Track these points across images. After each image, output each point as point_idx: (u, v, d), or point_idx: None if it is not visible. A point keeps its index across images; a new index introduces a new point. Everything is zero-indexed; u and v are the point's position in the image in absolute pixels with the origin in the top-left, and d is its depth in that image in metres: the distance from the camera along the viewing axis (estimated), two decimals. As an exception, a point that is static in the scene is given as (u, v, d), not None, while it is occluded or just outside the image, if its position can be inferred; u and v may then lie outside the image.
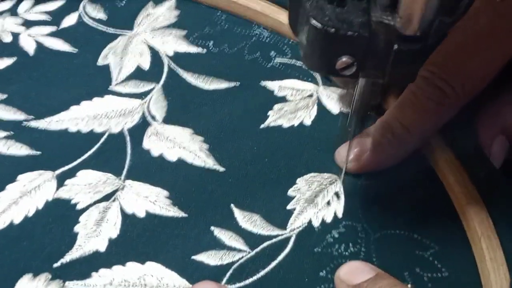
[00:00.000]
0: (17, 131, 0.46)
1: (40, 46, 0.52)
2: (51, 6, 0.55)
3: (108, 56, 0.51)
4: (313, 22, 0.30)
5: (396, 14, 0.29)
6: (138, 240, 0.40)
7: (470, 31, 0.40)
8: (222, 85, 0.49)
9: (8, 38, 0.52)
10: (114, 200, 0.42)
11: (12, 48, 0.52)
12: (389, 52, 0.31)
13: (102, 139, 0.45)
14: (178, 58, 0.51)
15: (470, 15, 0.32)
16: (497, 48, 0.41)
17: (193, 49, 0.52)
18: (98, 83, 0.49)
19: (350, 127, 0.41)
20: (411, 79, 0.34)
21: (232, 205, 0.42)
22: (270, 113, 0.48)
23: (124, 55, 0.51)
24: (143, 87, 0.49)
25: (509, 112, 0.43)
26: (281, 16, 0.52)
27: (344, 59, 0.31)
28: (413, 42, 0.31)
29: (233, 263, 0.39)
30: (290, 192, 0.43)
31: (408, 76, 0.33)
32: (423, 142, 0.44)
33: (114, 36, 0.53)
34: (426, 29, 0.30)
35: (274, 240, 0.41)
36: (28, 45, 0.52)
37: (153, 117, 0.47)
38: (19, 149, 0.44)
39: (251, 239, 0.41)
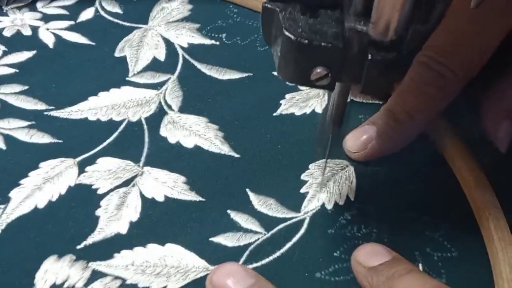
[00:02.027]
0: (39, 120, 0.47)
1: (59, 39, 0.53)
2: (68, 1, 0.57)
3: (124, 49, 0.53)
4: (286, 33, 0.30)
5: (369, 21, 0.30)
6: (157, 223, 0.42)
7: (464, 11, 0.40)
8: (235, 75, 0.51)
9: (27, 32, 0.54)
10: (133, 186, 0.43)
11: (32, 41, 0.53)
12: (363, 62, 0.31)
13: (121, 128, 0.47)
14: (192, 50, 0.53)
15: None
16: (492, 25, 0.42)
17: (206, 41, 0.53)
18: (116, 74, 0.51)
19: (326, 135, 0.41)
20: (387, 88, 0.34)
21: (247, 189, 0.44)
22: (282, 101, 0.49)
23: (140, 48, 0.53)
24: (159, 78, 0.50)
25: None
26: (292, 9, 0.53)
27: (319, 70, 0.31)
28: (387, 51, 0.30)
29: (249, 244, 0.41)
30: (303, 176, 0.44)
31: (384, 85, 0.33)
32: (427, 125, 0.45)
33: (130, 29, 0.54)
34: (400, 37, 0.30)
35: (288, 222, 0.42)
36: (47, 38, 0.53)
37: (169, 106, 0.48)
38: (41, 138, 0.46)
39: (267, 221, 0.42)
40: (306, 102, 0.49)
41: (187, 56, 0.52)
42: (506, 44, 0.43)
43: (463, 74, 0.42)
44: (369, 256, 0.38)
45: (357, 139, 0.45)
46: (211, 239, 0.41)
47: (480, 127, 0.45)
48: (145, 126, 0.47)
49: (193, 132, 0.47)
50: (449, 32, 0.41)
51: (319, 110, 0.49)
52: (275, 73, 0.51)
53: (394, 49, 0.31)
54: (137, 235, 0.41)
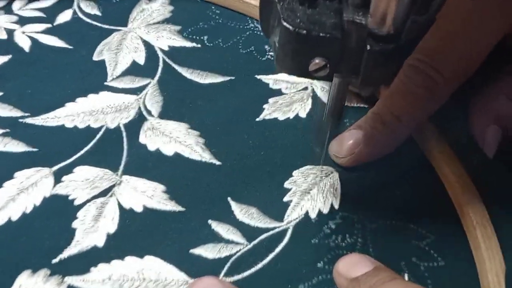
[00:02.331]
0: (13, 128, 0.46)
1: (35, 43, 0.52)
2: (45, 3, 0.55)
3: (103, 52, 0.51)
4: (285, 24, 0.30)
5: (368, 13, 0.29)
6: (136, 234, 0.40)
7: (455, 15, 0.40)
8: (217, 79, 0.50)
9: (3, 36, 0.53)
10: (111, 196, 0.42)
11: (7, 45, 0.52)
12: (362, 53, 0.31)
13: (99, 135, 0.45)
14: (173, 53, 0.51)
15: (454, 1, 0.32)
16: (484, 32, 0.41)
17: (188, 44, 0.52)
18: (94, 79, 0.49)
19: (324, 128, 0.41)
20: (386, 80, 0.33)
21: (229, 198, 0.43)
22: (265, 106, 0.48)
23: (119, 51, 0.51)
24: (138, 82, 0.49)
25: (502, 101, 0.44)
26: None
27: (317, 60, 0.31)
28: (386, 42, 0.30)
29: (231, 256, 0.40)
30: (286, 184, 0.43)
31: (382, 77, 0.33)
32: (415, 130, 0.45)
33: (109, 32, 0.53)
34: (398, 29, 0.30)
35: (271, 232, 0.41)
36: (23, 42, 0.52)
37: (149, 112, 0.47)
38: (16, 146, 0.45)
39: (249, 231, 0.41)
40: (290, 106, 0.48)
41: (167, 60, 0.51)
42: (494, 49, 0.42)
43: (453, 78, 0.42)
44: (351, 266, 0.37)
45: (343, 144, 0.44)
46: (191, 250, 0.40)
47: (468, 131, 0.44)
48: (124, 133, 0.46)
49: (173, 138, 0.45)
50: (440, 36, 0.40)
51: (303, 114, 0.47)
52: (258, 77, 0.50)
53: (392, 40, 0.30)
54: (115, 248, 0.40)
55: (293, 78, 0.50)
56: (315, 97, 0.48)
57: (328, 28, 0.30)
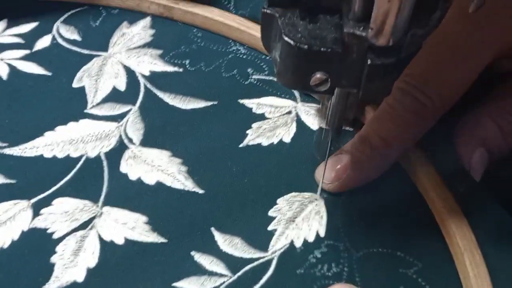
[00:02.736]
0: (-9, 159, 0.45)
1: (13, 70, 0.51)
2: (24, 29, 0.54)
3: (83, 79, 0.50)
4: (286, 39, 0.30)
5: (368, 27, 0.29)
6: (117, 268, 0.39)
7: (444, 40, 0.40)
8: (199, 104, 0.49)
9: (-20, 63, 0.52)
10: (91, 228, 0.41)
11: (-16, 73, 0.51)
12: (363, 67, 0.31)
13: (79, 165, 0.45)
14: (154, 78, 0.50)
15: (443, 25, 0.32)
16: (472, 57, 0.41)
17: (169, 69, 0.51)
18: (73, 106, 0.48)
19: (325, 141, 0.41)
20: (386, 93, 0.34)
21: (212, 228, 0.42)
22: (249, 131, 0.47)
23: (99, 77, 0.50)
24: (119, 109, 0.48)
25: (488, 123, 0.43)
26: (258, 32, 0.51)
27: (318, 75, 0.31)
28: (386, 56, 0.30)
29: (214, 288, 0.39)
30: (271, 212, 0.43)
31: (383, 90, 0.33)
32: (403, 154, 0.44)
33: (89, 58, 0.52)
34: (399, 42, 0.30)
35: (256, 263, 0.40)
36: (1, 69, 0.51)
37: (130, 140, 0.46)
38: (-6, 178, 0.44)
39: (233, 263, 0.40)
40: (273, 131, 0.47)
41: (148, 85, 0.50)
42: (483, 73, 0.42)
43: (442, 103, 0.41)
44: (336, 297, 0.37)
45: (331, 169, 0.43)
46: (174, 284, 0.39)
47: (454, 155, 0.44)
48: (104, 162, 0.45)
49: (155, 167, 0.45)
50: (428, 59, 0.40)
51: (287, 139, 0.47)
52: (241, 101, 0.49)
53: (393, 54, 0.30)
54: (95, 283, 0.39)
55: (277, 102, 0.49)
56: (299, 122, 0.48)
57: (329, 43, 0.30)
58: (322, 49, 0.30)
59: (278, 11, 0.31)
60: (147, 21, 0.55)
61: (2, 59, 0.52)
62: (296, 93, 0.49)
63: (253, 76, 0.51)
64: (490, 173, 0.44)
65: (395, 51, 0.31)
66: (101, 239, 0.41)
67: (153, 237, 0.41)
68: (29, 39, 0.53)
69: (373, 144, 0.42)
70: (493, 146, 0.43)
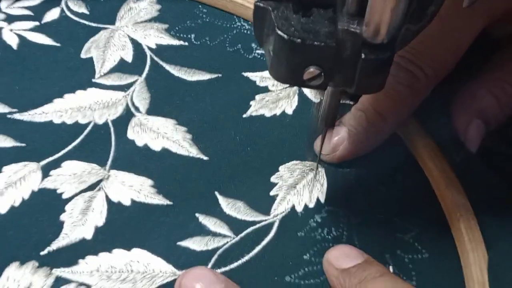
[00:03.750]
0: (1, 123, 0.46)
1: (23, 41, 0.52)
2: (33, 2, 0.55)
3: (90, 50, 0.51)
4: (279, 32, 0.30)
5: (362, 22, 0.29)
6: (124, 227, 0.41)
7: None
8: (204, 76, 0.50)
9: (-10, 33, 0.53)
10: (99, 190, 0.42)
11: (-5, 42, 0.52)
12: (356, 62, 0.31)
13: (86, 131, 0.46)
14: (160, 51, 0.52)
15: None
16: (463, 26, 0.42)
17: (175, 42, 0.52)
18: (81, 76, 0.49)
19: (319, 130, 0.42)
20: (380, 87, 0.33)
21: (216, 192, 0.43)
22: (252, 103, 0.48)
23: (106, 49, 0.51)
24: (126, 79, 0.49)
25: (484, 94, 0.44)
26: (262, 9, 0.53)
27: (311, 69, 0.31)
28: (380, 50, 0.30)
29: (218, 248, 0.40)
30: (273, 179, 0.44)
31: (377, 85, 0.33)
32: (399, 126, 0.45)
33: (97, 30, 0.53)
34: (393, 37, 0.30)
35: (258, 225, 0.41)
36: (11, 39, 0.52)
37: (137, 109, 0.47)
38: (4, 141, 0.45)
39: (236, 225, 0.41)
40: (276, 103, 0.48)
41: (155, 57, 0.51)
42: (477, 44, 0.43)
43: (434, 73, 0.42)
44: (342, 258, 0.38)
45: (328, 141, 0.44)
46: (178, 243, 0.40)
47: (451, 127, 0.45)
48: (111, 129, 0.46)
49: (161, 134, 0.46)
50: (421, 33, 0.41)
51: (289, 111, 0.48)
52: (244, 74, 0.50)
53: (387, 49, 0.30)
54: (103, 241, 0.40)
55: (280, 76, 0.50)
56: (301, 95, 0.49)
57: (323, 37, 0.30)
58: (315, 43, 0.30)
59: (271, 4, 0.31)
60: (153, -4, 0.56)
61: (11, 30, 0.53)
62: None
63: (257, 51, 0.52)
64: (486, 145, 0.45)
65: (389, 46, 0.31)
66: (108, 200, 0.42)
67: (159, 199, 0.42)
68: (38, 12, 0.54)
69: (369, 118, 0.43)
70: (490, 117, 0.44)
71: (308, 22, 0.30)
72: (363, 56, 0.30)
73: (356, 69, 0.31)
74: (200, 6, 0.56)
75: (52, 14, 0.54)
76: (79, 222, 0.41)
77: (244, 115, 0.48)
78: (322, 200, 0.43)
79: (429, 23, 0.31)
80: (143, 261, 0.39)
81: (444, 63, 0.42)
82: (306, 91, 0.49)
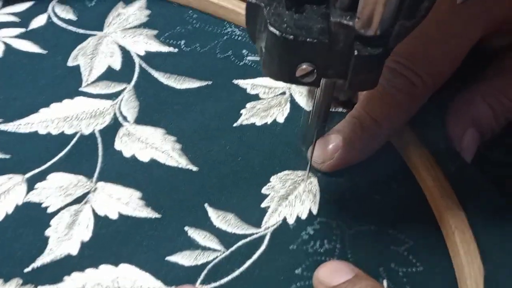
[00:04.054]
0: (-15, 134, 0.45)
1: (8, 48, 0.51)
2: (19, 8, 0.54)
3: (78, 57, 0.50)
4: (271, 29, 0.30)
5: (355, 16, 0.29)
6: (111, 242, 0.40)
7: (432, 18, 0.40)
8: (194, 84, 0.49)
9: (-25, 41, 0.52)
10: (85, 203, 0.41)
11: (-21, 50, 0.51)
12: (349, 58, 0.31)
13: (73, 141, 0.45)
14: (149, 58, 0.51)
15: None
16: (461, 34, 0.42)
17: (164, 49, 0.51)
18: (68, 84, 0.48)
19: (312, 128, 0.41)
20: (373, 84, 0.33)
21: (206, 204, 0.42)
22: (243, 111, 0.47)
23: (94, 56, 0.50)
24: (114, 87, 0.48)
25: (480, 103, 0.43)
26: (253, 14, 0.52)
27: (304, 66, 0.31)
28: (373, 46, 0.30)
29: (208, 263, 0.39)
30: (264, 190, 0.43)
31: (370, 81, 0.33)
32: (394, 134, 0.44)
33: (84, 37, 0.52)
34: (386, 33, 0.30)
35: (249, 238, 0.40)
36: (-4, 47, 0.51)
37: (125, 118, 0.46)
38: (-12, 153, 0.44)
39: (226, 238, 0.40)
40: (267, 111, 0.47)
41: (144, 65, 0.50)
42: (474, 52, 0.42)
43: (432, 81, 0.42)
44: (331, 274, 0.37)
45: (323, 149, 0.43)
46: (167, 258, 0.39)
47: (445, 135, 0.44)
48: (99, 139, 0.45)
49: (149, 144, 0.45)
50: (418, 38, 0.40)
51: (281, 119, 0.47)
52: (235, 81, 0.49)
53: (380, 45, 0.30)
54: (89, 256, 0.39)
55: (271, 83, 0.49)
56: (293, 102, 0.48)
57: (315, 33, 0.30)
58: (308, 39, 0.30)
59: (263, 0, 0.31)
60: (142, 1, 0.55)
61: (-3, 37, 0.52)
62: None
63: (248, 58, 0.51)
64: (481, 154, 0.44)
65: (382, 42, 0.30)
66: (95, 214, 0.41)
67: (147, 212, 0.41)
68: (25, 18, 0.53)
69: (365, 125, 0.42)
70: (484, 126, 0.43)
71: (301, 18, 0.30)
72: (356, 52, 0.30)
73: (349, 66, 0.31)
74: (190, 11, 0.54)
75: (39, 21, 0.53)
76: (65, 237, 0.40)
77: (235, 124, 0.47)
78: (315, 211, 0.42)
79: (423, 18, 0.31)
80: (130, 277, 0.38)
81: (442, 71, 0.42)
82: (298, 99, 0.48)
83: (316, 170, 0.44)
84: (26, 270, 0.38)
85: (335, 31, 0.30)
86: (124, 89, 0.48)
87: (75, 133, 0.45)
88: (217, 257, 0.39)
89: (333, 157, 0.43)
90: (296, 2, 0.30)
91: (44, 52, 0.51)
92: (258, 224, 0.41)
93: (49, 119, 0.46)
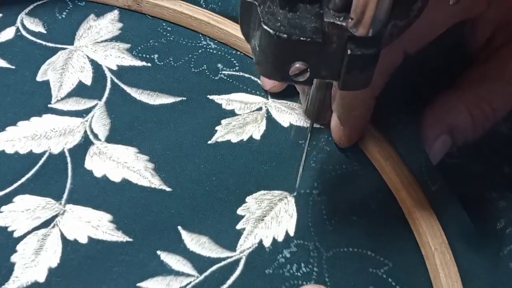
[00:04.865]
0: (-51, 155, 0.43)
1: (-26, 63, 0.49)
2: (-14, 21, 0.52)
3: (47, 72, 0.49)
4: (265, 27, 0.30)
5: (348, 16, 0.29)
6: (80, 268, 0.38)
7: None
8: (168, 100, 0.48)
9: None
10: (54, 226, 0.40)
11: None
12: (342, 57, 0.31)
13: (41, 161, 0.43)
14: (121, 72, 0.49)
15: None
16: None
17: (137, 63, 0.50)
18: (37, 101, 0.47)
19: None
20: (365, 84, 0.33)
21: (179, 227, 0.41)
22: (218, 128, 0.46)
23: (64, 71, 0.49)
24: (84, 104, 0.47)
25: (461, 111, 0.42)
26: (228, 27, 0.51)
27: (298, 65, 0.31)
28: (366, 46, 0.30)
29: (180, 289, 0.38)
30: (240, 211, 0.42)
31: (362, 81, 0.32)
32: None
33: (54, 51, 0.50)
34: (379, 33, 0.30)
35: (223, 262, 0.39)
36: (-39, 62, 0.49)
37: (96, 136, 0.45)
38: (-49, 175, 0.42)
39: (200, 262, 0.39)
40: (243, 128, 0.46)
41: (116, 80, 0.48)
42: (452, 58, 0.41)
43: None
44: (309, 298, 0.36)
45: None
46: (138, 284, 0.38)
47: (426, 153, 0.43)
48: (68, 159, 0.43)
49: (121, 164, 0.43)
50: None
51: (257, 136, 0.46)
52: (210, 97, 0.48)
53: (373, 44, 0.30)
54: (57, 283, 0.38)
55: (247, 98, 0.48)
56: (269, 118, 0.47)
57: (309, 32, 0.30)
58: (301, 38, 0.30)
59: None
60: (115, 14, 0.53)
61: (-38, 51, 0.50)
62: (266, 89, 0.49)
63: (223, 72, 0.50)
64: (458, 166, 0.44)
65: (375, 42, 0.30)
66: (63, 238, 0.39)
67: (118, 236, 0.40)
68: (-8, 31, 0.52)
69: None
70: (460, 134, 0.42)
71: (294, 17, 0.30)
72: (349, 51, 0.30)
73: (342, 65, 0.31)
74: (164, 24, 0.53)
75: (7, 34, 0.51)
76: (32, 263, 0.38)
77: (209, 142, 0.45)
78: (292, 233, 0.41)
79: (416, 18, 0.31)
80: (100, 305, 0.37)
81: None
82: (275, 114, 0.47)
83: (295, 189, 0.43)
84: (-10, 299, 0.36)
85: (328, 31, 0.30)
86: (95, 105, 0.47)
87: (44, 152, 0.44)
88: (190, 282, 0.38)
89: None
90: (289, 1, 0.30)
91: (12, 67, 0.49)
92: (233, 247, 0.40)
93: (17, 138, 0.44)
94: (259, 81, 0.49)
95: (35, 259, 0.38)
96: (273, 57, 0.31)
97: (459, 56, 0.46)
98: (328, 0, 0.30)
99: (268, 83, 0.48)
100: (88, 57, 0.50)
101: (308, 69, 0.31)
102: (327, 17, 0.30)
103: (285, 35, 0.30)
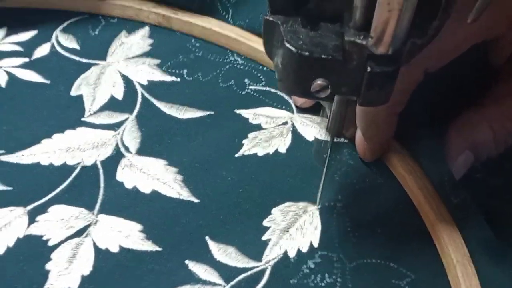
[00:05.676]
0: (-13, 166, 0.45)
1: (12, 78, 0.51)
2: (23, 37, 0.55)
3: (81, 87, 0.51)
4: (288, 46, 0.31)
5: (368, 35, 0.30)
6: (111, 276, 0.40)
7: None
8: (196, 114, 0.49)
9: (-21, 71, 0.52)
10: (86, 236, 0.41)
11: (-17, 80, 0.51)
12: (363, 75, 0.32)
13: (75, 173, 0.45)
14: (152, 87, 0.51)
15: None
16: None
17: (167, 78, 0.52)
18: (71, 114, 0.49)
19: (325, 148, 0.42)
20: (385, 100, 0.34)
21: (207, 237, 0.42)
22: (244, 141, 0.47)
23: (97, 86, 0.51)
24: (116, 118, 0.48)
25: (484, 128, 0.43)
26: (255, 43, 0.52)
27: (319, 82, 0.32)
28: (386, 64, 0.31)
29: (208, 297, 0.39)
30: (265, 222, 0.43)
31: (382, 97, 0.33)
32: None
33: (87, 66, 0.52)
34: (398, 51, 0.30)
35: (249, 272, 0.40)
36: (0, 77, 0.51)
37: (127, 149, 0.46)
38: (-10, 185, 0.44)
39: (226, 272, 0.40)
40: (269, 141, 0.47)
41: (146, 94, 0.50)
42: (475, 74, 0.42)
43: None
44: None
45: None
46: (167, 293, 0.39)
47: (448, 167, 0.44)
48: (100, 170, 0.45)
49: (151, 176, 0.45)
50: None
51: (283, 150, 0.47)
52: (237, 111, 0.49)
53: (393, 62, 0.31)
54: (89, 291, 0.39)
55: (273, 113, 0.49)
56: (295, 133, 0.48)
57: (330, 50, 0.31)
58: (323, 56, 0.31)
59: (280, 18, 0.32)
60: (145, 30, 0.55)
61: (1, 67, 0.52)
62: (293, 104, 0.50)
63: (250, 87, 0.51)
64: (480, 180, 0.44)
65: (395, 59, 0.31)
66: (96, 247, 0.41)
67: (148, 245, 0.41)
68: (28, 47, 0.54)
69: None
70: (483, 151, 0.43)
71: (316, 36, 0.31)
72: (369, 69, 0.31)
73: (362, 82, 0.32)
74: (193, 40, 0.55)
75: (42, 50, 0.53)
76: (65, 271, 0.40)
77: (236, 155, 0.47)
78: (316, 244, 0.42)
79: (434, 37, 0.32)
80: (130, 312, 0.38)
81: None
82: (300, 129, 0.48)
83: (318, 201, 0.44)
84: (26, 305, 0.38)
85: (349, 50, 0.31)
86: (127, 119, 0.48)
87: (77, 164, 0.45)
88: (217, 291, 0.39)
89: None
90: (311, 20, 0.32)
91: (47, 81, 0.51)
92: (258, 258, 0.41)
93: (52, 150, 0.46)
94: (285, 96, 0.50)
95: (68, 267, 0.40)
96: (295, 74, 0.32)
97: (483, 73, 0.46)
98: (349, 19, 0.31)
99: (299, 100, 0.49)
100: (120, 72, 0.52)
101: (329, 86, 0.32)
102: (348, 36, 0.31)
103: (307, 53, 0.31)
